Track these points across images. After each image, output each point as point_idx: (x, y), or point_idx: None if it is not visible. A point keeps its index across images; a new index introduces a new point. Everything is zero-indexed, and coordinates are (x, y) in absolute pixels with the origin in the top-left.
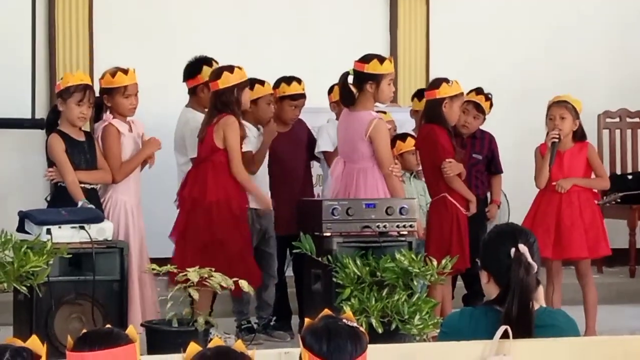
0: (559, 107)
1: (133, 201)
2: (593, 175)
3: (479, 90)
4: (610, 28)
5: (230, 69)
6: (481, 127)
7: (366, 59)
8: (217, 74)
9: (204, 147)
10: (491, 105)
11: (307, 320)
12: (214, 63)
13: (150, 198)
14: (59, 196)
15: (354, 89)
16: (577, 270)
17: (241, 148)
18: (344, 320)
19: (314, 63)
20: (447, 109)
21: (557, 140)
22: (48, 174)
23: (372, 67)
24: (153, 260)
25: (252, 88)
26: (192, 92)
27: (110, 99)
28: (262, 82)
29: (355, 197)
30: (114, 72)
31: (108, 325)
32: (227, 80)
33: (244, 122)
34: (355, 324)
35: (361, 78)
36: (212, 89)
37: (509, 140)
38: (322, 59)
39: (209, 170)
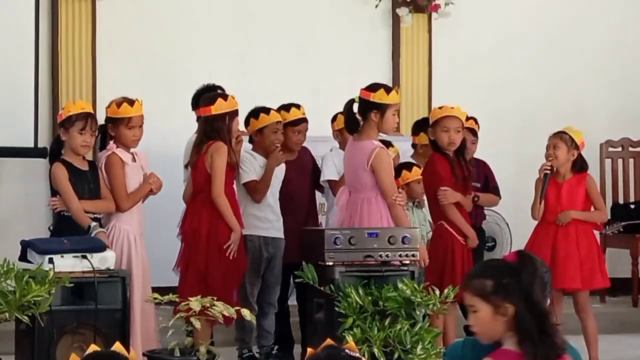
0: (554, 138)
1: (136, 231)
2: (592, 208)
3: (466, 117)
4: (613, 57)
5: (224, 96)
6: (481, 157)
7: (373, 87)
8: (211, 100)
9: (198, 178)
10: (478, 127)
11: (309, 350)
12: (218, 90)
13: (153, 227)
14: (62, 225)
15: (359, 117)
16: (575, 303)
17: (233, 175)
18: (347, 351)
19: (315, 91)
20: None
21: (549, 171)
22: (52, 203)
23: (378, 97)
24: (155, 290)
25: (257, 117)
26: None
27: (114, 128)
28: (267, 111)
29: (360, 226)
30: (119, 103)
31: (115, 347)
32: (220, 107)
33: (251, 152)
34: (357, 354)
35: (366, 106)
36: (203, 114)
37: (510, 168)
38: (324, 87)
39: (204, 201)
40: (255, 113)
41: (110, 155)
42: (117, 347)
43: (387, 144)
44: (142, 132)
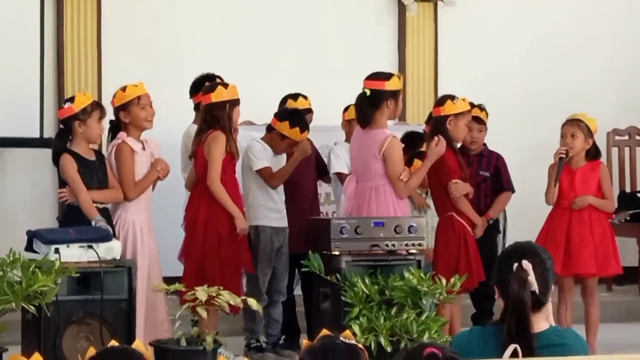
0: (571, 125)
1: (143, 220)
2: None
3: (471, 105)
4: (619, 45)
5: (225, 85)
6: (489, 147)
7: (383, 76)
8: (211, 88)
9: (198, 167)
10: (487, 114)
11: (305, 342)
12: (217, 80)
13: (158, 217)
14: (71, 216)
15: (370, 108)
16: (584, 287)
17: (234, 165)
18: (342, 339)
19: (321, 81)
20: (452, 127)
21: (564, 156)
22: (60, 194)
23: (393, 85)
24: (164, 280)
25: (292, 126)
26: (198, 108)
27: (126, 114)
28: (304, 128)
29: (369, 215)
30: (124, 87)
31: (135, 344)
32: (220, 95)
33: (260, 141)
34: (352, 341)
35: (382, 96)
36: (204, 102)
37: (514, 157)
38: (330, 77)
39: (203, 190)
40: (293, 122)
41: (120, 144)
42: (137, 344)
43: (422, 137)
44: (154, 111)
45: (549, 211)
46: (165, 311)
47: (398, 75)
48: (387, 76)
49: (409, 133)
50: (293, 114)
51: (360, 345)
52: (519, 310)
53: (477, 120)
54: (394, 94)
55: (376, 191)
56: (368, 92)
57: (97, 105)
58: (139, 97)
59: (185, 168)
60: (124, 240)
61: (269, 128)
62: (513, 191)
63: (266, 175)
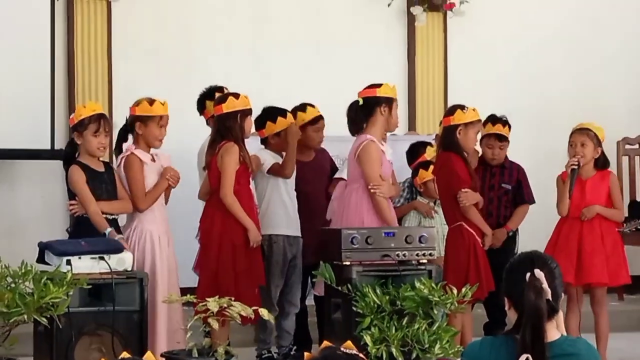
0: (580, 134)
1: (160, 229)
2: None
3: (494, 120)
4: (630, 53)
5: (236, 95)
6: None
7: (375, 85)
8: (223, 98)
9: (212, 178)
10: (509, 127)
11: (306, 354)
12: (216, 95)
13: (172, 229)
14: (81, 227)
15: (364, 117)
16: (593, 297)
17: (248, 175)
18: (342, 349)
19: (331, 90)
20: (462, 136)
21: (576, 167)
22: (70, 207)
23: (384, 91)
24: (181, 290)
25: (274, 120)
26: (209, 123)
27: (142, 126)
28: (284, 114)
29: (343, 216)
30: (151, 101)
31: (146, 356)
32: (232, 105)
33: (267, 151)
34: (354, 352)
35: (374, 103)
36: (216, 113)
37: (524, 162)
38: (340, 87)
39: (218, 202)
40: (272, 117)
41: (129, 156)
42: (148, 356)
43: (427, 145)
44: (166, 133)
45: (557, 216)
46: (176, 322)
47: (391, 85)
48: (378, 85)
49: (413, 144)
50: (265, 114)
51: (361, 355)
52: (536, 319)
53: (499, 137)
54: (387, 101)
55: (349, 193)
56: (361, 101)
57: (97, 119)
58: (161, 117)
59: (204, 177)
60: (141, 251)
61: (263, 141)
62: (532, 203)
63: (277, 170)
